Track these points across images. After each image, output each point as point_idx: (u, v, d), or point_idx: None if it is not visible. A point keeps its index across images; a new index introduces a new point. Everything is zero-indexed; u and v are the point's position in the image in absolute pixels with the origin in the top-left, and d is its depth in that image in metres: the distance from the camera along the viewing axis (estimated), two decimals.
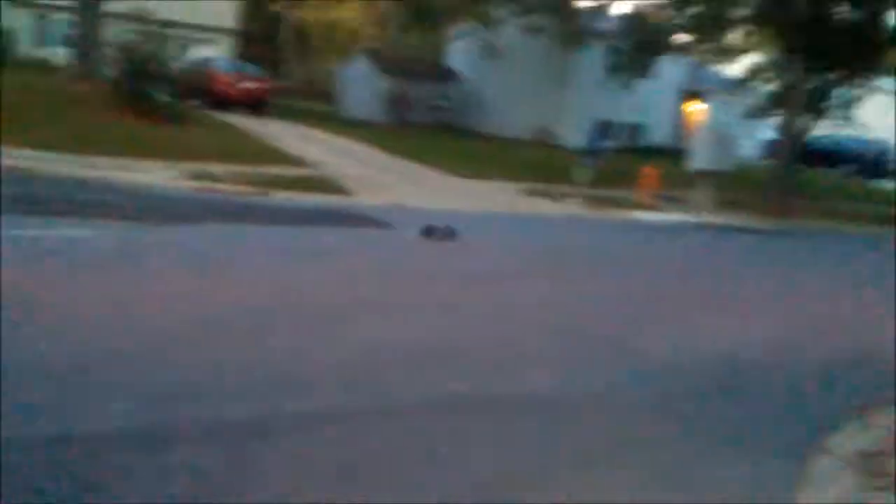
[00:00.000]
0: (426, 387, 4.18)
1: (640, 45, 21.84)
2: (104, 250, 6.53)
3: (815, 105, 21.86)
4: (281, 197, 11.24)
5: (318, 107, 35.49)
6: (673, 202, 16.38)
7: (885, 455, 4.01)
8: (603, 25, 26.52)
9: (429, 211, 11.64)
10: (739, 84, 26.54)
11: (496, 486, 3.17)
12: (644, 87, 29.36)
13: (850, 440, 4.24)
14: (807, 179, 24.50)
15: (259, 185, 11.70)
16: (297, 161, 14.96)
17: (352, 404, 3.83)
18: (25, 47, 23.15)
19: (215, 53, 25.93)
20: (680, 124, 34.26)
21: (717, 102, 34.91)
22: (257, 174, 12.61)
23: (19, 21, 23.52)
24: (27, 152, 11.79)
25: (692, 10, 20.04)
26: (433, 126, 30.68)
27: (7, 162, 10.82)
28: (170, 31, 17.34)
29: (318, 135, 20.25)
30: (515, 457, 3.48)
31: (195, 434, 3.26)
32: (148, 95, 16.41)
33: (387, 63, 30.20)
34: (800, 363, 5.62)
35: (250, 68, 24.83)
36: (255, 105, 23.28)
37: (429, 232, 8.74)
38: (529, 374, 4.54)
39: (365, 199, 11.96)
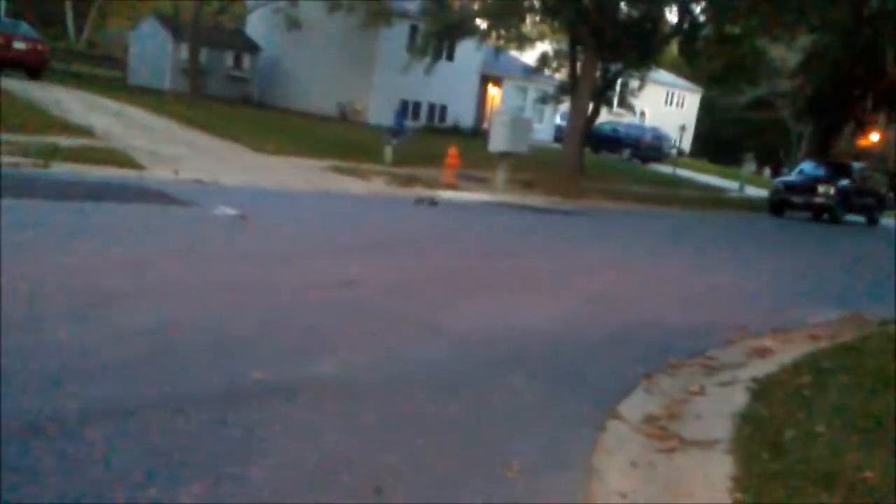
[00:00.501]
0: (215, 375, 4.04)
1: (442, 28, 22.30)
2: None
3: (601, 93, 23.58)
4: (63, 169, 10.32)
5: (104, 72, 32.98)
6: (474, 182, 16.98)
7: (669, 418, 4.46)
8: (407, 6, 26.79)
9: (229, 187, 11.24)
10: (534, 71, 27.98)
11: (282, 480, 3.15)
12: (448, 69, 30.13)
13: (638, 405, 4.65)
14: (592, 162, 26.42)
15: (37, 157, 10.65)
16: (80, 130, 13.79)
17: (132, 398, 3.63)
18: None
19: None
20: (480, 107, 35.57)
21: (512, 87, 36.62)
22: (34, 143, 11.48)
23: None
24: None
25: None
26: (232, 99, 29.56)
27: None
28: None
29: (105, 102, 18.82)
30: (312, 443, 3.47)
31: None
32: None
33: (180, 29, 28.55)
34: (591, 333, 6.08)
35: (25, 27, 22.46)
36: (32, 68, 21.17)
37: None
38: (320, 358, 4.52)
39: (159, 173, 11.29)
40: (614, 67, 24.00)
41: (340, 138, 20.71)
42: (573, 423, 4.15)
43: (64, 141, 12.31)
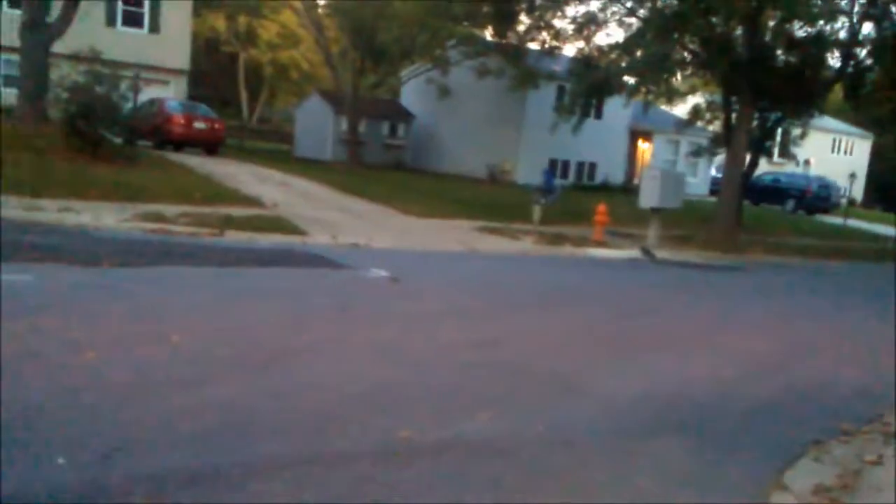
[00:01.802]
0: (379, 432, 4.17)
1: (589, 87, 22.35)
2: (44, 294, 6.40)
3: (759, 143, 22.61)
4: (235, 238, 11.17)
5: (272, 146, 35.56)
6: (625, 239, 16.68)
7: (842, 489, 4.12)
8: (554, 67, 27.14)
9: (384, 250, 11.69)
10: (686, 124, 27.32)
11: None
12: (596, 126, 30.09)
13: (806, 475, 4.33)
14: (752, 215, 25.23)
15: (213, 226, 11.60)
16: (251, 201, 14.89)
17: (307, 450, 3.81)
18: None
19: (169, 94, 25.83)
20: (630, 163, 35.10)
21: (663, 141, 35.90)
22: (211, 215, 12.52)
23: None
24: None
25: (639, 53, 20.62)
26: (387, 165, 30.91)
27: None
28: (122, 72, 17.22)
29: (273, 174, 20.21)
30: None
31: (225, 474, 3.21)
32: (99, 137, 16.24)
33: (341, 103, 30.40)
34: (750, 396, 5.75)
35: (203, 108, 24.75)
36: (210, 145, 23.19)
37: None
38: (465, 418, 4.54)
39: (320, 239, 11.94)
40: (773, 116, 23.02)
41: (489, 199, 21.06)
42: (732, 494, 3.92)
43: (236, 211, 13.33)
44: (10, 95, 20.16)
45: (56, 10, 17.92)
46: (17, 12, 18.64)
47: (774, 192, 33.44)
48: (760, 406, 5.53)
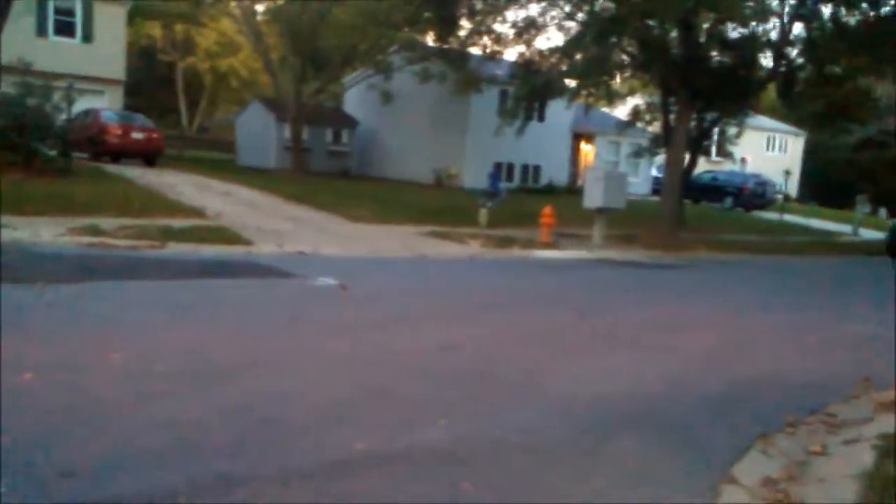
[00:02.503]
0: (334, 445, 4.11)
1: (531, 90, 22.56)
2: None
3: (697, 143, 23.15)
4: (177, 249, 10.92)
5: (214, 155, 34.98)
6: (571, 239, 16.87)
7: (789, 480, 4.20)
8: (496, 71, 27.32)
9: (331, 258, 11.58)
10: (626, 125, 27.82)
11: None
12: (540, 129, 30.40)
13: (754, 467, 4.41)
14: (693, 213, 25.80)
15: (154, 238, 11.33)
16: (193, 211, 14.60)
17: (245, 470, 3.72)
18: None
19: (104, 104, 25.18)
20: (574, 165, 35.56)
21: (605, 143, 36.49)
22: (152, 227, 12.23)
23: None
24: None
25: (579, 56, 20.91)
26: (332, 172, 30.70)
27: None
28: (54, 83, 16.73)
29: (215, 184, 19.87)
30: None
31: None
32: (32, 150, 15.74)
33: (283, 110, 30.08)
34: (699, 392, 5.84)
35: (141, 118, 24.21)
36: (148, 156, 22.71)
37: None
38: (421, 427, 4.52)
39: (265, 248, 11.76)
40: (710, 116, 23.59)
41: (436, 204, 21.07)
42: (684, 489, 3.97)
43: (178, 222, 13.04)
44: None
45: None
46: None
47: (713, 190, 34.28)
48: (709, 401, 5.62)
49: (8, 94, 15.48)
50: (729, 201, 34.00)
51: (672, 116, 21.81)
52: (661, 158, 28.25)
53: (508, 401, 5.19)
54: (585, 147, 36.68)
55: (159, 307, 7.10)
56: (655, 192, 32.91)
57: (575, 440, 4.52)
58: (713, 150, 31.34)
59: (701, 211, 29.71)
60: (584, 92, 23.47)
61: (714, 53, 21.89)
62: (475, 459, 4.07)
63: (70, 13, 25.75)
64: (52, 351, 5.28)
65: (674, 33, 20.50)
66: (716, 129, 26.89)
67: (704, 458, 4.42)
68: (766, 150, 48.38)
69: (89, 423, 4.02)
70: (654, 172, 37.50)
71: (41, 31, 24.92)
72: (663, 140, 23.06)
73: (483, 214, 18.17)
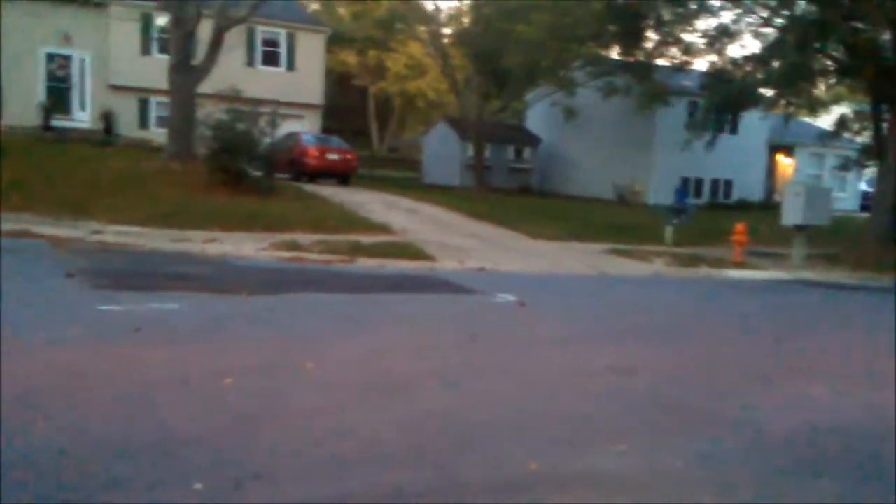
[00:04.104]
0: (508, 463, 4.06)
1: (722, 101, 21.48)
2: (190, 322, 6.74)
3: None
4: (365, 264, 11.43)
5: (401, 174, 36.38)
6: (766, 258, 15.80)
7: None
8: (684, 82, 26.32)
9: (511, 274, 11.61)
10: (831, 136, 25.73)
11: None
12: (731, 142, 28.89)
13: None
14: None
15: (345, 254, 11.93)
16: (381, 228, 15.23)
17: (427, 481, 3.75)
18: (129, 129, 24.67)
19: (304, 128, 26.98)
20: (770, 179, 33.40)
21: (806, 155, 33.95)
22: (343, 242, 12.89)
23: (123, 104, 25.17)
24: (125, 228, 12.46)
25: (777, 64, 19.66)
26: (514, 189, 30.90)
27: (105, 238, 11.46)
28: (261, 109, 18.15)
29: (402, 201, 20.62)
30: None
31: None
32: (240, 171, 17.14)
33: (467, 129, 30.73)
34: None
35: (336, 140, 25.68)
36: (342, 175, 24.00)
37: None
38: (594, 449, 4.35)
39: (448, 264, 12.01)
40: None
41: (619, 220, 20.57)
42: None
43: (366, 238, 13.66)
44: (161, 134, 21.68)
45: (201, 53, 19.14)
46: (166, 57, 20.06)
47: None
48: None
49: (221, 119, 16.98)
50: None
51: (884, 125, 19.85)
52: (871, 171, 25.85)
53: (685, 429, 4.89)
54: (784, 160, 34.35)
55: (346, 319, 7.43)
56: (865, 208, 30.09)
57: (766, 477, 4.16)
58: None
59: None
60: (782, 101, 22.01)
61: None
62: (652, 489, 3.86)
63: (275, 44, 27.94)
64: (250, 358, 5.66)
65: (885, 35, 18.71)
66: None
67: None
68: None
69: (282, 429, 4.25)
70: (863, 187, 34.37)
71: (250, 61, 27.22)
72: (874, 151, 21.05)
73: (669, 231, 17.47)
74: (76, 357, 5.28)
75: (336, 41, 36.99)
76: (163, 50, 23.35)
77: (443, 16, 32.10)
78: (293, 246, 12.19)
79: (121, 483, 3.37)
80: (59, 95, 24.70)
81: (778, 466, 4.33)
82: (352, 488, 3.54)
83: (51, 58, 24.69)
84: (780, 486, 4.05)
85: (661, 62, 26.66)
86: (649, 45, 26.18)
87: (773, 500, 3.87)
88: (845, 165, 26.08)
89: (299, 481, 3.58)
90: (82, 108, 25.42)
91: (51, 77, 24.74)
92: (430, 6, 30.83)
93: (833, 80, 23.45)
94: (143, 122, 26.04)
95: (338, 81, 43.49)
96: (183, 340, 6.04)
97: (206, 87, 18.76)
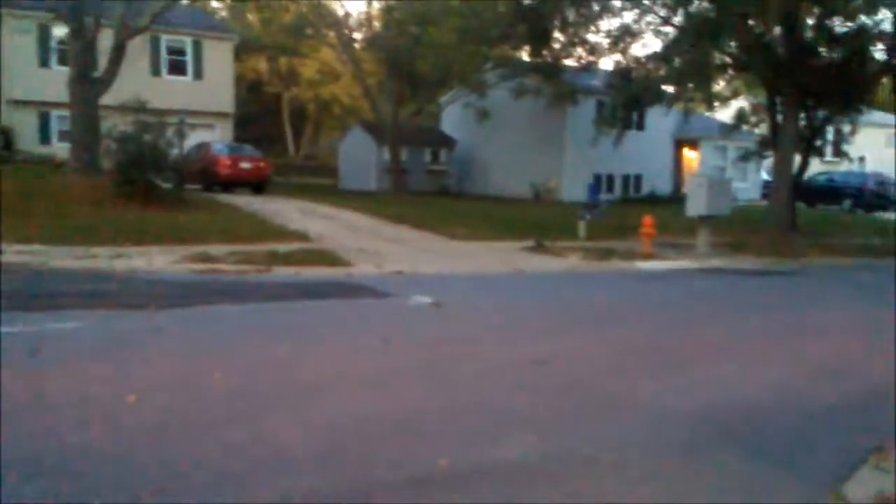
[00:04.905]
0: (422, 460, 4.13)
1: (628, 98, 22.16)
2: (92, 340, 6.55)
3: (808, 143, 22.05)
4: (281, 273, 11.31)
5: (318, 181, 36.08)
6: (674, 249, 16.38)
7: None
8: (592, 82, 27.02)
9: (428, 276, 11.69)
10: (731, 129, 26.83)
11: None
12: (639, 138, 29.82)
13: (867, 484, 4.13)
14: (808, 217, 24.55)
15: (260, 263, 11.77)
16: (297, 236, 15.09)
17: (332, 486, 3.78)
18: (29, 145, 23.70)
19: (214, 137, 26.46)
20: (677, 172, 34.60)
21: (710, 148, 35.31)
22: (258, 252, 12.71)
23: (23, 119, 24.16)
24: (28, 247, 11.96)
25: (677, 61, 20.41)
26: (432, 191, 31.07)
27: (7, 258, 10.99)
28: (168, 119, 17.72)
29: (319, 208, 20.48)
30: None
31: None
32: (148, 184, 16.70)
33: (382, 133, 30.74)
34: (810, 404, 5.53)
35: (248, 149, 25.29)
36: (257, 184, 23.65)
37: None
38: (508, 441, 4.47)
39: (365, 268, 12.01)
40: (821, 114, 22.43)
41: (534, 218, 20.95)
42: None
43: (283, 247, 13.51)
44: (64, 149, 20.90)
45: (102, 64, 18.57)
46: (66, 69, 19.37)
47: (830, 192, 32.52)
48: (818, 414, 5.31)
49: (125, 131, 16.50)
50: (847, 203, 32.15)
51: (779, 117, 20.88)
52: (770, 162, 27.11)
53: (601, 416, 5.07)
54: (689, 153, 35.64)
55: (257, 328, 7.36)
56: (766, 196, 31.54)
57: (671, 456, 4.36)
58: (827, 149, 29.79)
59: (816, 214, 28.24)
60: (683, 97, 22.85)
61: (821, 49, 20.82)
62: (564, 476, 3.99)
63: (181, 52, 27.31)
64: (156, 373, 5.55)
65: (776, 31, 19.68)
66: (829, 128, 25.57)
67: (813, 475, 4.18)
68: (887, 148, 45.53)
69: (187, 441, 4.20)
70: (764, 176, 36.00)
71: (155, 70, 26.52)
72: (771, 142, 22.10)
73: (582, 227, 17.91)
74: None
75: (246, 48, 36.41)
76: (62, 62, 22.52)
77: (353, 20, 31.98)
78: (206, 258, 11.95)
79: None
80: None
81: (680, 444, 4.54)
82: (260, 495, 3.54)
83: None
84: (682, 462, 4.24)
85: (568, 62, 27.30)
86: (556, 45, 26.78)
87: (673, 476, 4.05)
88: (745, 157, 27.24)
89: (205, 492, 3.56)
90: None
91: None
92: (339, 11, 30.54)
93: (730, 76, 24.47)
94: (45, 138, 25.05)
95: (249, 89, 42.82)
96: (84, 359, 5.87)
97: (109, 98, 18.20)
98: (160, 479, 3.63)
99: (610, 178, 31.77)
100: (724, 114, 31.01)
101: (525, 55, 28.60)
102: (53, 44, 24.33)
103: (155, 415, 4.59)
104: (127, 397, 4.86)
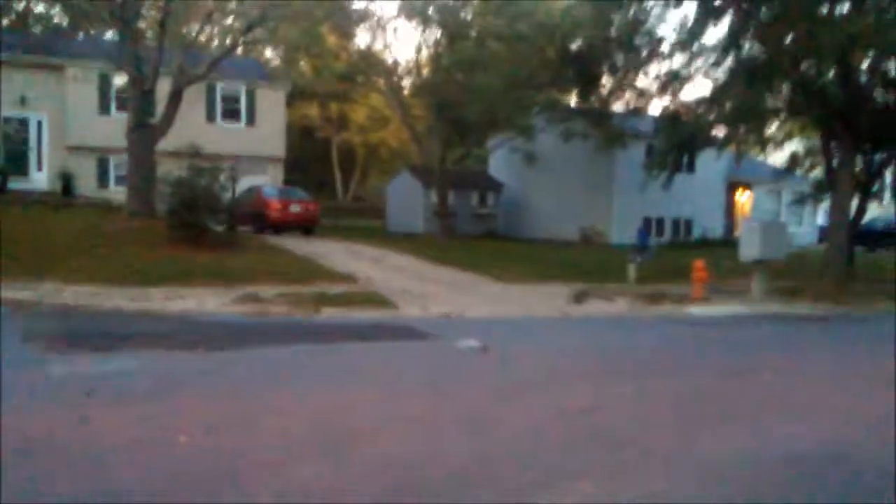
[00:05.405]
0: None
1: (678, 142, 21.97)
2: (145, 381, 6.62)
3: (865, 187, 21.52)
4: (329, 314, 11.36)
5: (366, 223, 36.43)
6: (726, 294, 16.02)
7: None
8: (640, 126, 26.91)
9: (475, 319, 11.61)
10: (785, 172, 26.35)
11: None
12: (690, 181, 29.47)
13: None
14: (867, 263, 23.84)
15: (308, 305, 11.86)
16: (345, 278, 15.19)
17: None
18: (88, 189, 24.47)
19: (266, 181, 26.98)
20: (729, 216, 34.05)
21: (764, 191, 34.73)
22: (306, 293, 12.82)
23: (82, 164, 25.02)
24: (85, 289, 12.27)
25: (727, 104, 20.21)
26: (479, 234, 31.09)
27: (64, 300, 11.28)
28: (221, 164, 18.15)
29: (366, 250, 20.62)
30: None
31: None
32: (201, 227, 17.05)
33: (430, 176, 30.99)
34: (869, 460, 5.27)
35: (299, 192, 25.71)
36: (306, 226, 23.96)
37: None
38: (555, 491, 4.34)
39: (411, 311, 12.00)
40: (878, 158, 21.90)
41: (583, 262, 20.76)
42: None
43: (330, 288, 13.61)
44: (121, 193, 21.51)
45: (160, 110, 19.17)
46: (125, 115, 20.04)
47: (890, 236, 31.55)
48: (874, 469, 5.05)
49: (181, 176, 16.94)
50: None
51: (835, 161, 20.44)
52: (827, 205, 26.50)
53: (649, 469, 4.89)
54: (741, 197, 35.10)
55: (306, 370, 7.36)
56: (823, 241, 30.76)
57: None
58: (886, 193, 28.99)
59: (876, 260, 27.38)
60: (734, 141, 22.57)
61: (876, 92, 20.41)
62: None
63: (236, 100, 28.09)
64: (206, 415, 5.57)
65: (831, 74, 19.37)
66: (887, 171, 24.93)
67: None
68: None
69: (238, 484, 4.17)
70: (820, 221, 35.18)
71: (210, 117, 27.29)
72: (826, 186, 21.62)
73: (632, 270, 17.67)
74: (26, 422, 5.15)
75: (298, 95, 37.29)
76: (121, 108, 23.33)
77: (401, 68, 32.53)
78: (256, 299, 12.10)
79: None
80: (15, 157, 24.51)
81: (732, 498, 4.35)
82: None
83: (6, 120, 24.54)
84: None
85: (617, 107, 27.27)
86: (604, 90, 26.79)
87: None
88: (800, 201, 26.68)
89: None
90: (39, 169, 25.23)
91: (6, 139, 24.56)
92: (388, 59, 31.10)
93: (783, 118, 24.10)
94: (103, 182, 25.85)
95: (300, 133, 43.72)
96: (137, 400, 5.93)
97: (166, 143, 18.75)
98: None
99: (660, 222, 31.40)
100: (778, 157, 30.54)
101: (573, 99, 28.67)
102: (113, 91, 25.23)
103: (206, 457, 4.58)
104: (179, 438, 4.87)
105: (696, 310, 14.12)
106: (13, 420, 5.12)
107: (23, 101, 24.45)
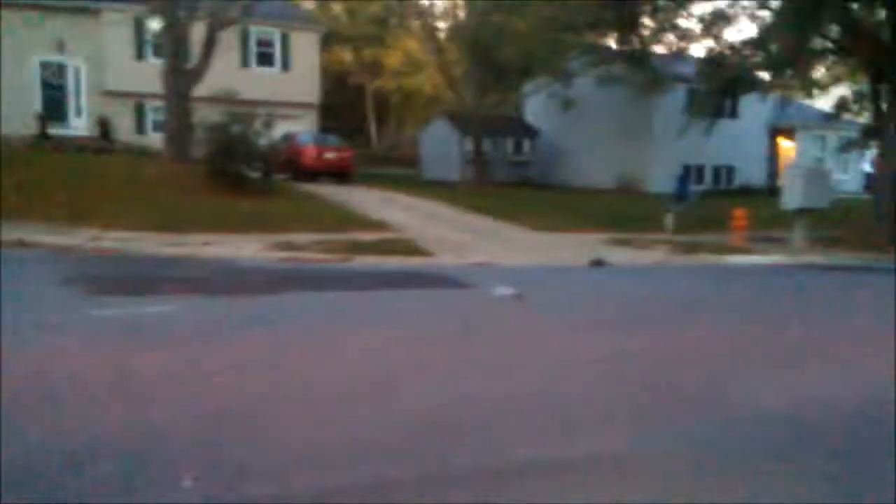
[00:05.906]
0: (481, 453, 4.03)
1: (720, 86, 21.37)
2: (184, 325, 6.72)
3: None
4: (363, 262, 11.40)
5: (401, 171, 36.34)
6: (767, 243, 15.73)
7: None
8: (682, 69, 26.19)
9: (510, 267, 11.57)
10: (831, 117, 25.56)
11: None
12: (732, 127, 28.75)
13: None
14: None
15: (342, 252, 11.92)
16: (379, 225, 15.22)
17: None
18: (126, 134, 24.70)
19: (300, 128, 26.96)
20: (772, 163, 33.26)
21: (809, 137, 33.78)
22: (341, 241, 12.87)
23: (119, 110, 25.21)
24: (123, 234, 12.46)
25: (773, 47, 19.55)
26: (514, 182, 30.83)
27: (103, 244, 11.46)
28: (257, 110, 18.14)
29: (400, 198, 20.60)
30: None
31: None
32: (237, 173, 17.15)
33: (465, 123, 30.67)
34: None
35: (334, 139, 25.68)
36: (340, 174, 23.99)
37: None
38: (587, 434, 4.32)
39: (446, 259, 11.98)
40: None
41: (620, 210, 20.52)
42: None
43: (364, 236, 13.64)
44: (159, 139, 21.68)
45: (195, 56, 19.13)
46: (160, 61, 20.05)
47: None
48: None
49: (217, 122, 16.98)
50: None
51: (884, 105, 19.74)
52: (873, 152, 25.71)
53: (679, 413, 4.85)
54: (786, 143, 34.20)
55: (342, 316, 7.40)
56: (868, 189, 29.96)
57: (755, 457, 4.13)
58: None
59: None
60: (780, 84, 21.90)
61: None
62: (642, 472, 3.83)
63: (270, 45, 27.92)
64: (243, 357, 5.64)
65: (882, 13, 18.59)
66: None
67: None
68: None
69: (270, 425, 4.23)
70: (866, 168, 34.22)
71: (245, 62, 27.19)
72: (874, 131, 20.93)
73: (669, 219, 17.41)
74: (68, 362, 5.26)
75: (332, 39, 36.94)
76: (157, 54, 23.36)
77: (437, 10, 31.99)
78: (291, 246, 12.18)
79: (112, 482, 3.35)
80: (54, 103, 24.76)
81: (764, 445, 4.29)
82: (341, 482, 3.52)
83: (45, 66, 24.74)
84: (759, 466, 4.01)
85: (657, 49, 26.52)
86: (645, 32, 26.04)
87: (751, 479, 3.83)
88: (846, 147, 25.91)
89: (293, 474, 3.56)
90: (78, 115, 25.49)
91: (45, 85, 24.79)
92: (424, 1, 30.59)
93: (831, 62, 23.29)
94: (140, 128, 26.06)
95: (335, 80, 43.39)
96: (175, 342, 6.02)
97: (201, 89, 18.75)
98: (244, 461, 3.66)
99: (700, 169, 30.79)
100: (824, 101, 29.62)
101: (612, 42, 27.93)
102: (148, 36, 25.22)
103: (242, 398, 4.65)
104: (215, 378, 4.95)
105: (734, 259, 13.90)
106: (55, 360, 5.24)
107: (60, 46, 24.58)
